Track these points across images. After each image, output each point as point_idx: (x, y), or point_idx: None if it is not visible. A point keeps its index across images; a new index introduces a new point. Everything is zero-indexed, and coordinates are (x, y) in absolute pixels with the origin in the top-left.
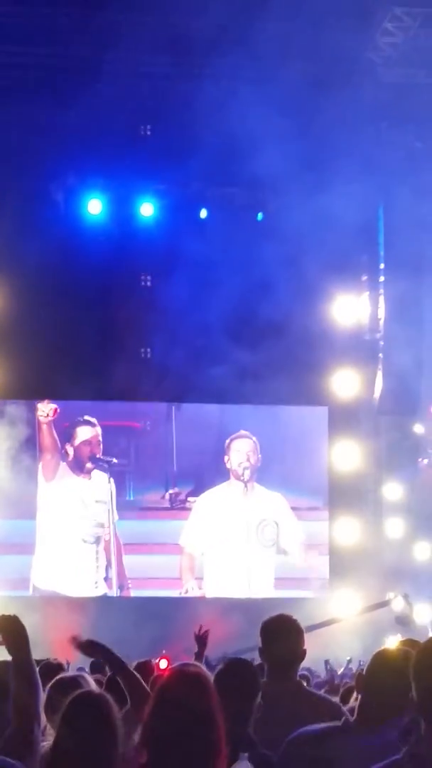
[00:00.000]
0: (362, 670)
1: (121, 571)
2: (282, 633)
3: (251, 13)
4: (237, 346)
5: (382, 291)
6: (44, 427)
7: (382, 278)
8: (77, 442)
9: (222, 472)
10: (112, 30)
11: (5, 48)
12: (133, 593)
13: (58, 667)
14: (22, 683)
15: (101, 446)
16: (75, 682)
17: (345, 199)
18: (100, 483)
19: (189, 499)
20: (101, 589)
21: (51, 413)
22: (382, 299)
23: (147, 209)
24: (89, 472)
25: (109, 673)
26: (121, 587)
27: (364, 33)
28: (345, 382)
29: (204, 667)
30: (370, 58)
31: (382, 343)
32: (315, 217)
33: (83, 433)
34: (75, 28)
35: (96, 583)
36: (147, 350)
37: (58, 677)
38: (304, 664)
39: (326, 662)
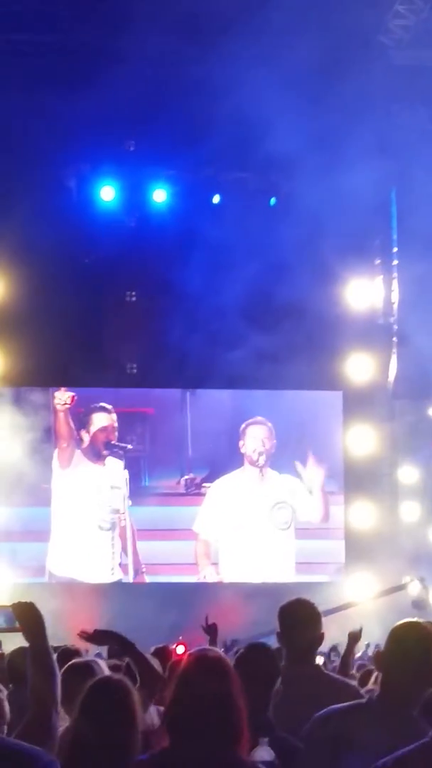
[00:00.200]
0: (379, 650)
1: (135, 556)
2: (300, 617)
3: None
4: (251, 331)
5: (395, 274)
6: (61, 414)
7: (395, 262)
8: (93, 428)
9: (236, 457)
10: (122, 14)
11: (15, 36)
12: (148, 579)
13: (76, 654)
14: (39, 670)
15: (116, 433)
16: (88, 666)
17: (357, 183)
18: (115, 469)
19: (204, 484)
20: (117, 575)
21: (69, 401)
22: (395, 283)
23: (160, 195)
24: (104, 458)
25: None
26: (136, 572)
27: (375, 15)
28: (359, 367)
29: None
30: (381, 41)
31: (396, 326)
32: (327, 201)
33: (99, 419)
34: (84, 14)
35: (112, 569)
36: (161, 336)
37: (70, 663)
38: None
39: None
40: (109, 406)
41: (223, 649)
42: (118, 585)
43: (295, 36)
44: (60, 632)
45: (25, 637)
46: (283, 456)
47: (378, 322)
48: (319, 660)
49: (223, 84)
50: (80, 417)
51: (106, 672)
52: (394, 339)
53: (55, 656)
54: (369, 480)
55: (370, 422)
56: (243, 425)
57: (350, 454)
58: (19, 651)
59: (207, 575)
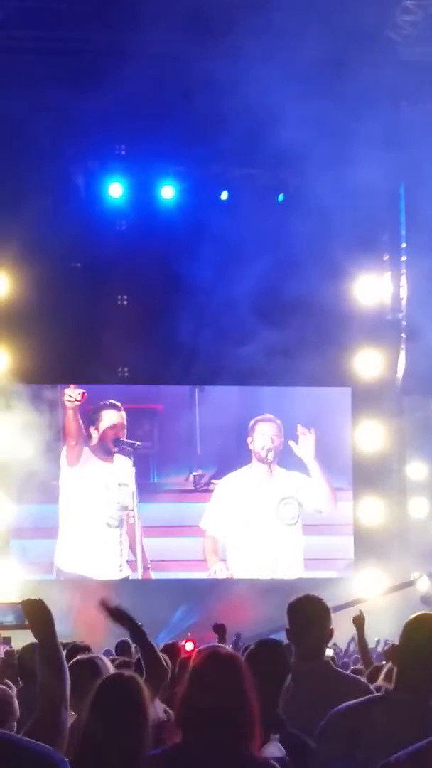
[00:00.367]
0: (392, 644)
1: (143, 553)
2: (309, 613)
3: None
4: (260, 327)
5: (404, 270)
6: (70, 412)
7: (403, 258)
8: (102, 425)
9: (245, 454)
10: (129, 12)
11: (22, 33)
12: (154, 575)
13: (85, 650)
14: (48, 666)
15: (125, 430)
16: (92, 663)
17: (365, 179)
18: (123, 466)
19: (213, 481)
20: (125, 572)
21: (79, 398)
22: (404, 279)
23: (168, 191)
24: (113, 455)
25: (137, 655)
26: (144, 569)
27: (383, 11)
28: (368, 363)
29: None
30: (389, 36)
31: (404, 322)
32: (336, 197)
33: (109, 416)
34: (92, 12)
35: (120, 566)
36: (169, 332)
37: (75, 659)
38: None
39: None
40: (118, 403)
41: (231, 646)
42: (127, 582)
43: (302, 32)
44: (69, 629)
45: (33, 634)
46: (292, 453)
47: (387, 317)
48: (329, 652)
49: (231, 80)
50: (89, 414)
51: (111, 669)
52: (403, 335)
53: (64, 653)
54: (378, 476)
55: (378, 418)
56: (252, 422)
57: (359, 450)
58: (30, 648)
59: (217, 571)
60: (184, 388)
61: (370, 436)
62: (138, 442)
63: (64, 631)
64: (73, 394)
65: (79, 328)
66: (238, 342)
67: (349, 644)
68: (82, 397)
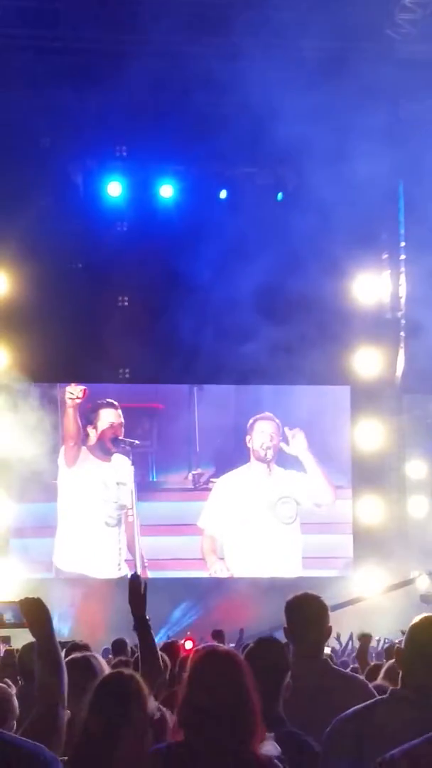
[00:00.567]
0: (395, 643)
1: (140, 552)
2: (307, 612)
3: None
4: (258, 327)
5: (403, 269)
6: (70, 411)
7: (403, 256)
8: (100, 424)
9: (243, 453)
10: (128, 11)
11: (23, 32)
12: (151, 574)
13: (84, 649)
14: (45, 664)
15: (123, 429)
16: (86, 661)
17: (364, 177)
18: (122, 465)
19: (212, 480)
20: (124, 571)
21: (80, 395)
22: (403, 277)
23: (167, 190)
24: (111, 454)
25: (136, 653)
26: (142, 568)
27: (382, 9)
28: (367, 361)
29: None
30: (388, 35)
31: (403, 321)
32: (335, 195)
33: (106, 415)
34: (92, 11)
35: (119, 564)
36: (169, 331)
37: (69, 657)
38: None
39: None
40: (115, 402)
41: (233, 645)
42: (126, 581)
43: (302, 31)
44: (69, 627)
45: (31, 632)
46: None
47: (386, 316)
48: (326, 650)
49: (230, 79)
50: (87, 413)
51: (105, 667)
52: (402, 333)
53: (63, 651)
54: (377, 475)
55: (378, 417)
56: (251, 420)
57: (358, 448)
58: (29, 647)
59: (215, 571)
60: (183, 387)
61: (370, 434)
62: (136, 441)
63: (64, 629)
64: (74, 391)
65: (79, 326)
66: (237, 341)
67: (348, 642)
68: (84, 394)
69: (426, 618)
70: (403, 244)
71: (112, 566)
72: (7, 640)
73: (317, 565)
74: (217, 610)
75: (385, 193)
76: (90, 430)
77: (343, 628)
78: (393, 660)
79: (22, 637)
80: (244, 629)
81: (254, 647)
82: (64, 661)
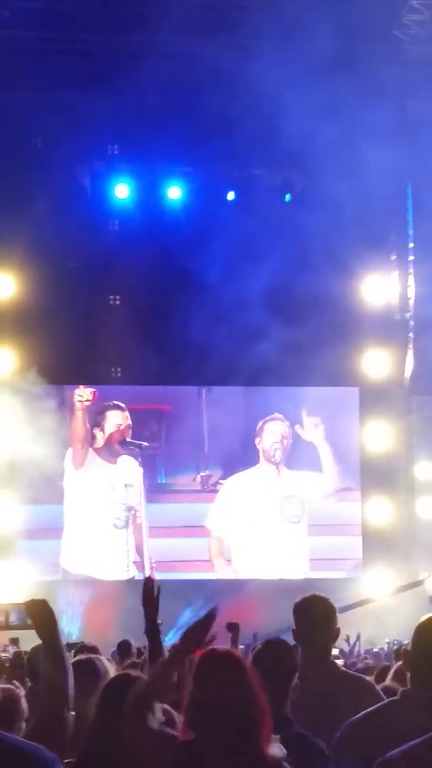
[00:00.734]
0: (402, 646)
1: (148, 553)
2: (315, 614)
3: None
4: (267, 328)
5: (411, 270)
6: (78, 413)
7: (411, 257)
8: (107, 426)
9: (252, 455)
10: (136, 12)
11: (32, 34)
12: (166, 576)
13: (93, 651)
14: (51, 665)
15: (131, 430)
16: (91, 663)
17: (372, 178)
18: (129, 467)
19: (220, 482)
20: (132, 572)
21: (90, 397)
22: (411, 278)
23: (174, 192)
24: (118, 456)
25: (144, 654)
26: (150, 570)
27: (390, 10)
28: (376, 363)
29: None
30: (396, 35)
31: (412, 322)
32: (342, 196)
33: (113, 417)
34: (100, 12)
35: (127, 566)
36: (177, 333)
37: (75, 659)
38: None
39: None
40: (122, 404)
41: (243, 647)
42: (133, 582)
43: (309, 31)
44: (78, 629)
45: (37, 633)
46: (299, 455)
47: (394, 317)
48: (334, 651)
49: (238, 80)
50: (93, 415)
51: (110, 669)
52: (411, 334)
53: (72, 653)
54: (385, 476)
55: (386, 418)
56: (261, 422)
57: (367, 450)
58: (38, 649)
59: (223, 573)
60: (191, 389)
61: (378, 435)
62: (144, 443)
63: (73, 631)
64: (83, 393)
65: (86, 328)
66: (246, 342)
67: (354, 645)
68: (94, 397)
69: (428, 619)
70: (411, 245)
71: (121, 568)
72: (16, 642)
73: (326, 567)
74: (226, 612)
75: (394, 193)
76: (97, 432)
77: (352, 629)
78: (401, 662)
79: (31, 639)
80: (257, 633)
81: (261, 649)
82: (69, 663)
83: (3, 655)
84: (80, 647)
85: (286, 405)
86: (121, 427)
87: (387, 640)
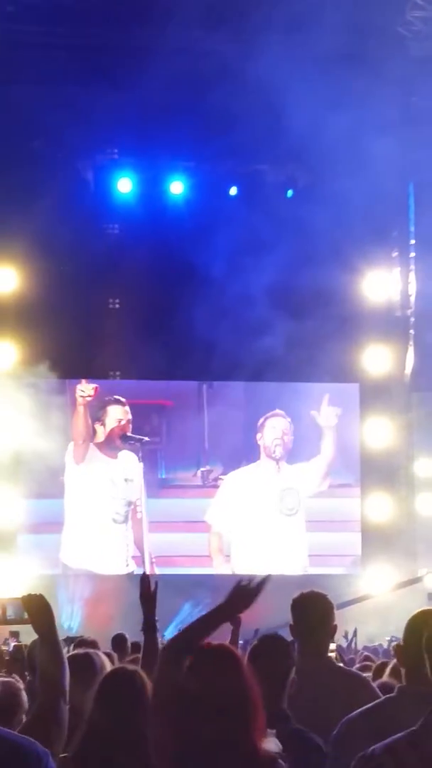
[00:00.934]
0: (398, 641)
1: (148, 548)
2: (313, 609)
3: None
4: (269, 324)
5: (412, 266)
6: (80, 408)
7: (412, 254)
8: (108, 421)
9: (253, 450)
10: (141, 7)
11: (37, 28)
12: (166, 571)
13: (92, 645)
14: (47, 659)
15: (131, 425)
16: (87, 657)
17: (375, 175)
18: (130, 462)
19: (221, 477)
20: (131, 567)
21: (92, 392)
22: (412, 275)
23: (177, 187)
24: (119, 451)
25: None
26: (149, 564)
27: (393, 7)
28: (376, 359)
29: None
30: (399, 32)
31: (413, 319)
32: (345, 193)
33: (114, 412)
34: (105, 7)
35: (126, 561)
36: (179, 328)
37: (71, 653)
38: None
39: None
40: (122, 399)
41: (242, 643)
42: (134, 577)
43: (313, 28)
44: (78, 624)
45: (34, 628)
46: (300, 451)
47: (395, 314)
48: (333, 645)
49: (241, 76)
50: (94, 410)
51: (106, 663)
52: (411, 331)
53: (71, 647)
54: (385, 472)
55: (386, 414)
56: (262, 419)
57: (367, 446)
58: (35, 643)
59: (222, 569)
60: (192, 384)
61: (378, 432)
62: (145, 437)
63: (74, 625)
64: (86, 389)
65: (89, 323)
66: (247, 338)
67: (351, 641)
68: (96, 392)
69: (422, 612)
70: (413, 241)
71: (120, 562)
72: (17, 635)
73: (325, 563)
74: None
75: (396, 189)
76: (98, 426)
77: (352, 626)
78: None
79: (31, 633)
80: (258, 629)
81: (258, 644)
82: (66, 656)
83: (3, 648)
84: (79, 641)
85: (286, 401)
86: (122, 422)
87: (387, 637)
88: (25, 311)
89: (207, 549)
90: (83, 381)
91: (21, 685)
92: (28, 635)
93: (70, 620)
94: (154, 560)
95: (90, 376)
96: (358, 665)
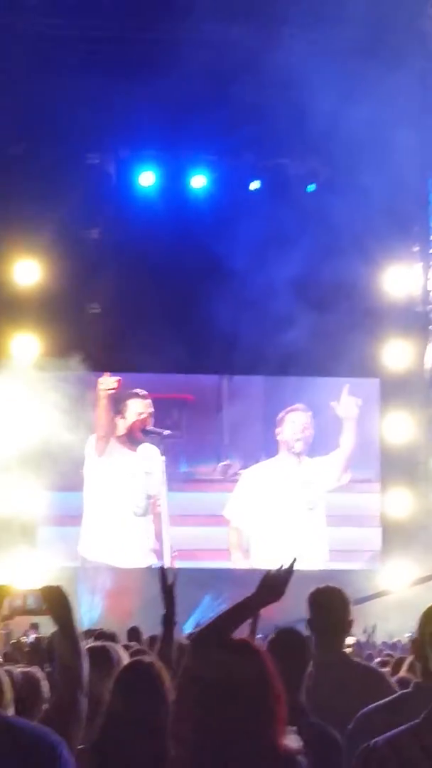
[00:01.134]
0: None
1: (169, 542)
2: (330, 604)
3: None
4: (289, 319)
5: None
6: (103, 402)
7: None
8: (129, 414)
9: (273, 445)
10: (164, 0)
11: (60, 21)
12: (186, 564)
13: (111, 638)
14: (66, 650)
15: (152, 419)
16: (104, 650)
17: (396, 169)
18: (150, 455)
19: (240, 471)
20: (151, 560)
21: (115, 386)
22: None
23: (199, 180)
24: (139, 444)
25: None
26: (169, 558)
27: (414, 2)
28: (396, 354)
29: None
30: (420, 26)
31: None
32: (365, 188)
33: (135, 406)
34: (127, 1)
35: (146, 554)
36: (201, 322)
37: (88, 646)
38: None
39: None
40: (143, 392)
41: (261, 637)
42: (153, 570)
43: (334, 23)
44: (98, 616)
45: (52, 619)
46: (320, 445)
47: (416, 309)
48: (350, 640)
49: (264, 70)
50: (115, 403)
51: (123, 656)
52: (431, 327)
53: (91, 639)
54: (405, 467)
55: (406, 409)
56: (282, 413)
57: (387, 441)
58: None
59: (240, 564)
60: (213, 378)
61: (398, 427)
62: (166, 431)
63: (94, 618)
64: (107, 382)
65: (111, 316)
66: (268, 332)
67: (369, 636)
68: (118, 385)
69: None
70: None
71: (140, 556)
72: (36, 627)
73: (344, 558)
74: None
75: (417, 184)
76: (119, 420)
77: (372, 621)
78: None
79: (51, 626)
80: (278, 624)
81: (275, 638)
82: (83, 648)
83: (23, 639)
84: (99, 633)
85: (306, 395)
86: (143, 416)
87: (407, 634)
88: (48, 303)
89: (226, 543)
90: (106, 374)
91: (40, 675)
92: (49, 627)
93: (90, 613)
94: (175, 554)
95: (112, 369)
96: (378, 660)
